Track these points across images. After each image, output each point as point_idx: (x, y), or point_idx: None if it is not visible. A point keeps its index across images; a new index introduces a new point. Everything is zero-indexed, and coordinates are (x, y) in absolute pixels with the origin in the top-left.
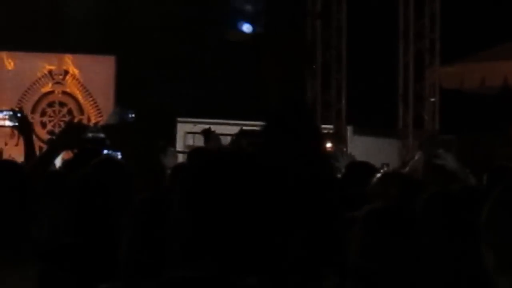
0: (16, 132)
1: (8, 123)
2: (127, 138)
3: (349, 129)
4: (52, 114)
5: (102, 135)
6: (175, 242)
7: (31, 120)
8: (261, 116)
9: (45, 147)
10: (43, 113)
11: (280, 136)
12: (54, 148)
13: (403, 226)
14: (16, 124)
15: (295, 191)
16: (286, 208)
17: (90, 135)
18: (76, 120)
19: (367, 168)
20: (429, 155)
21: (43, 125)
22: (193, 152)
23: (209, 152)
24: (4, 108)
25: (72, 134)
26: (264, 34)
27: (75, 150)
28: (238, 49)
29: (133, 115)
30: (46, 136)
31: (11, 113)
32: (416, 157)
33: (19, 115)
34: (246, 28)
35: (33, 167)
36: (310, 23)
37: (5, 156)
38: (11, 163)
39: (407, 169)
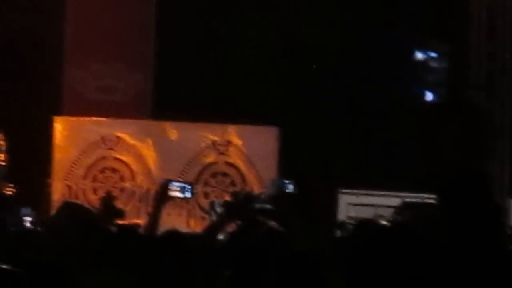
0: (179, 202)
1: (178, 194)
2: (292, 209)
3: None
4: (215, 185)
5: (268, 206)
6: None
7: (194, 191)
8: (430, 188)
9: (207, 217)
10: (206, 184)
11: (456, 210)
12: (222, 219)
13: None
14: (187, 196)
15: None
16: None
17: (257, 205)
18: (238, 191)
19: None
20: None
21: (206, 195)
22: (360, 225)
23: (378, 227)
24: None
25: (239, 205)
26: (447, 104)
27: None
28: (401, 118)
29: (293, 186)
30: (208, 207)
31: (183, 185)
32: None
33: (190, 188)
34: (428, 96)
35: (200, 238)
36: (473, 95)
37: (168, 227)
38: (179, 234)
39: None
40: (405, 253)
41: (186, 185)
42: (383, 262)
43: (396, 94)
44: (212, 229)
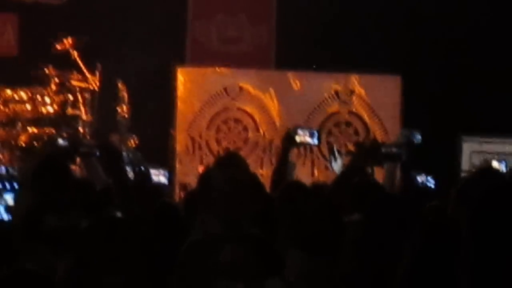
0: (302, 151)
1: (307, 139)
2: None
3: None
4: (338, 134)
5: (396, 151)
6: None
7: (320, 138)
8: None
9: (327, 165)
10: (329, 133)
11: None
12: (354, 166)
13: None
14: (316, 143)
15: None
16: None
17: (383, 150)
18: (361, 140)
19: None
20: None
21: (328, 144)
22: (481, 172)
23: (498, 174)
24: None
25: (369, 151)
26: None
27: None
28: None
29: (421, 137)
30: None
31: (311, 131)
32: None
33: (317, 134)
34: None
35: (335, 184)
36: None
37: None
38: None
39: None
40: None
41: (314, 131)
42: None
43: None
44: (347, 177)
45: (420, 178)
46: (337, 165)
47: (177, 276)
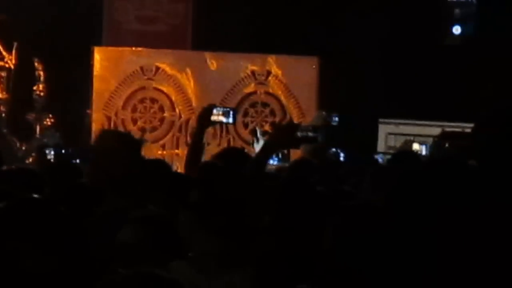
0: (218, 132)
1: (221, 119)
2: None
3: None
4: (254, 115)
5: (312, 134)
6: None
7: (237, 117)
8: (471, 118)
9: (246, 147)
10: (245, 114)
11: (497, 140)
12: (269, 148)
13: None
14: (230, 121)
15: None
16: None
17: (299, 134)
18: (278, 120)
19: None
20: None
21: (246, 125)
22: (397, 155)
23: (415, 157)
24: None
25: (286, 134)
26: (476, 38)
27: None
28: (444, 51)
29: (337, 119)
30: (248, 137)
31: (227, 110)
32: None
33: (233, 113)
34: (455, 30)
35: (251, 168)
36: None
37: (207, 157)
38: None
39: None
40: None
41: (229, 110)
42: (423, 196)
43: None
44: (262, 159)
45: (332, 156)
46: (259, 147)
47: (81, 255)
